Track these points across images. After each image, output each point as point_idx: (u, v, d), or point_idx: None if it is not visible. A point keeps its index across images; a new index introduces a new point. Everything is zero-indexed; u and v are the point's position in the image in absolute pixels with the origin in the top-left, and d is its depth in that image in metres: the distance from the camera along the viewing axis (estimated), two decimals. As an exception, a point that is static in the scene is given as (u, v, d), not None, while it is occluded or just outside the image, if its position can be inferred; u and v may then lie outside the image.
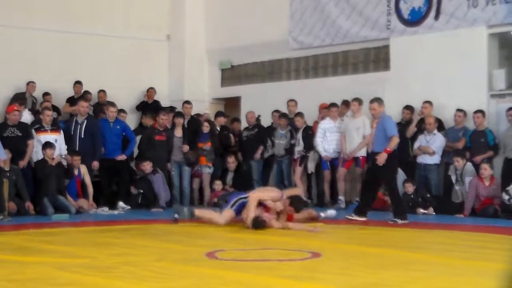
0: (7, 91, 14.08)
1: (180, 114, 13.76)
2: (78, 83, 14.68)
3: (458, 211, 11.15)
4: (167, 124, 13.59)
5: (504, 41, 12.42)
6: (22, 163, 11.60)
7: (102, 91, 14.87)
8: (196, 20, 16.59)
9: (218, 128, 14.09)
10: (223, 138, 13.94)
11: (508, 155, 11.36)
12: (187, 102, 14.35)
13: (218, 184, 13.14)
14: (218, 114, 14.54)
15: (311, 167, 12.94)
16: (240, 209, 9.51)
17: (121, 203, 12.51)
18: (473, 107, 11.85)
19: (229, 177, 13.56)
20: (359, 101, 12.31)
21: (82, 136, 12.50)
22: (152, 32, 16.42)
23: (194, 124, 13.83)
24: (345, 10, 13.94)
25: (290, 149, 13.25)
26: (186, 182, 13.49)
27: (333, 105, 12.81)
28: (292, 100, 13.77)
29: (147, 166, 12.68)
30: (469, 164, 11.43)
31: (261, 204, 9.36)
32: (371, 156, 10.45)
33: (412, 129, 12.25)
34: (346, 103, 12.97)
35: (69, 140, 12.40)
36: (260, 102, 14.80)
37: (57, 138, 12.10)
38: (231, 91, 16.22)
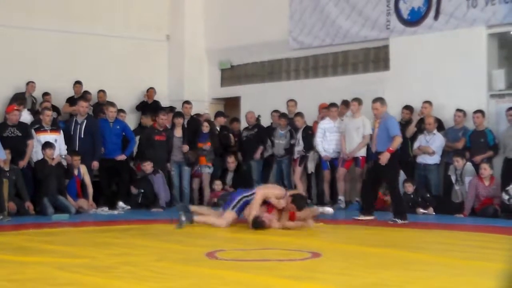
0: (7, 91, 14.08)
1: (180, 114, 13.76)
2: (78, 83, 14.68)
3: (458, 211, 11.15)
4: (167, 124, 13.59)
5: (504, 41, 12.42)
6: (22, 163, 11.60)
7: (102, 91, 14.87)
8: (196, 20, 16.60)
9: (218, 128, 14.09)
10: (223, 138, 13.95)
11: (508, 155, 11.37)
12: (187, 102, 14.35)
13: (218, 184, 13.14)
14: (218, 114, 14.54)
15: (311, 167, 12.94)
16: (242, 209, 9.50)
17: (121, 203, 12.52)
18: (473, 107, 11.86)
19: (229, 177, 13.57)
20: (358, 101, 12.32)
21: (82, 136, 12.50)
22: (152, 32, 16.43)
23: (194, 124, 13.84)
24: (345, 10, 13.94)
25: (290, 149, 13.26)
26: (186, 182, 13.50)
27: (333, 105, 12.81)
28: (291, 100, 13.77)
29: (148, 166, 12.69)
30: (469, 164, 11.44)
31: (265, 202, 9.37)
32: (374, 156, 10.45)
33: (411, 129, 12.25)
34: (345, 103, 12.98)
35: (69, 140, 12.41)
36: (260, 102, 14.80)
37: (57, 138, 12.11)
38: (230, 91, 16.22)
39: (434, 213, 11.41)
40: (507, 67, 12.29)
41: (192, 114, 14.27)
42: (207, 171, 13.48)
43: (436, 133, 12.01)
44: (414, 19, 12.93)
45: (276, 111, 13.90)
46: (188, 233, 8.93)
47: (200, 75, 16.63)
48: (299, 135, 13.00)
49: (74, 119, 12.73)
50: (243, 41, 15.59)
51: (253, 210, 9.22)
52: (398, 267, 6.29)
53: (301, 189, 12.52)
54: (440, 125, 12.19)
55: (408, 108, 12.56)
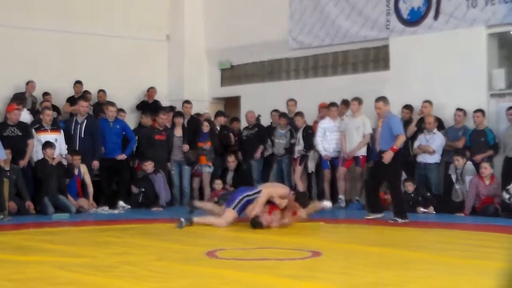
0: (7, 91, 14.07)
1: (180, 114, 13.77)
2: (78, 83, 14.67)
3: (458, 210, 11.15)
4: (167, 124, 13.60)
5: (504, 41, 12.42)
6: (22, 163, 11.61)
7: (102, 91, 14.87)
8: (196, 20, 16.59)
9: (218, 128, 14.10)
10: (223, 138, 13.95)
11: (508, 154, 11.37)
12: (187, 101, 14.36)
13: (218, 184, 13.14)
14: (218, 114, 14.55)
15: (311, 166, 12.94)
16: (243, 208, 9.49)
17: (121, 203, 12.52)
18: (473, 106, 11.85)
19: (229, 176, 13.57)
20: (358, 100, 12.33)
21: (82, 136, 12.51)
22: (152, 32, 16.42)
23: (194, 124, 13.85)
24: (345, 10, 13.94)
25: (290, 149, 13.26)
26: (186, 182, 13.50)
27: (333, 104, 12.81)
28: (291, 99, 13.77)
29: (149, 166, 12.70)
30: (469, 163, 11.44)
31: (269, 201, 9.38)
32: (375, 155, 10.45)
33: (412, 128, 12.25)
34: (345, 103, 12.98)
35: (69, 139, 12.41)
36: (260, 101, 14.80)
37: (57, 138, 12.11)
38: (230, 91, 16.22)
39: (434, 212, 11.41)
40: (507, 67, 12.29)
41: (192, 114, 14.28)
42: (207, 170, 13.49)
43: (436, 132, 12.02)
44: (414, 19, 12.93)
45: (276, 110, 13.90)
46: (188, 233, 8.93)
47: (200, 75, 16.63)
48: (299, 135, 13.01)
49: (74, 119, 12.73)
50: (243, 41, 15.58)
51: (256, 208, 9.23)
52: (398, 267, 6.29)
53: (301, 188, 12.53)
54: (440, 125, 12.19)
55: (408, 107, 12.55)
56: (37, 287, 5.47)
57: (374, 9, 13.46)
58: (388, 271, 6.01)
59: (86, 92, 14.51)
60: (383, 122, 10.27)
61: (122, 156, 12.88)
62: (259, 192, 9.44)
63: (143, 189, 12.67)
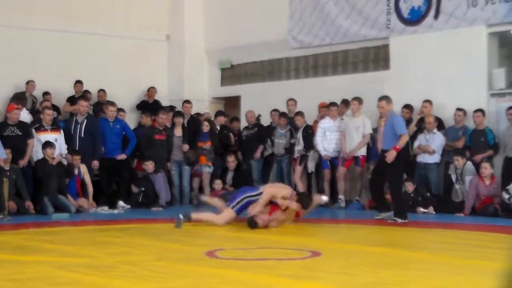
0: (7, 90, 14.07)
1: (180, 114, 13.77)
2: (78, 82, 14.68)
3: (458, 210, 11.15)
4: (167, 124, 13.60)
5: (504, 40, 12.41)
6: (22, 162, 11.61)
7: (102, 91, 14.87)
8: (196, 19, 16.59)
9: (218, 127, 14.09)
10: (223, 138, 13.95)
11: (508, 154, 11.36)
12: (187, 101, 14.35)
13: (218, 183, 13.14)
14: (218, 114, 14.55)
15: (311, 166, 12.94)
16: (243, 209, 9.48)
17: (121, 202, 12.52)
18: (473, 106, 11.85)
19: (229, 176, 13.57)
20: (359, 100, 12.32)
21: (82, 136, 12.51)
22: (152, 32, 16.42)
23: (194, 124, 13.84)
24: (345, 9, 13.93)
25: (290, 148, 13.26)
26: (186, 182, 13.50)
27: (333, 104, 12.81)
28: (291, 99, 13.77)
29: (150, 166, 12.70)
30: (469, 163, 11.43)
31: (271, 202, 9.38)
32: (376, 155, 10.43)
33: (412, 128, 12.23)
34: (345, 102, 12.98)
35: (69, 139, 12.41)
36: (260, 101, 14.80)
37: (57, 138, 12.11)
38: (231, 91, 16.22)
39: (434, 212, 11.40)
40: (507, 66, 12.28)
41: (192, 114, 14.27)
42: (207, 170, 13.48)
43: (436, 132, 12.01)
44: (414, 18, 12.92)
45: (276, 110, 13.90)
46: (188, 232, 8.93)
47: (200, 75, 16.63)
48: (299, 135, 13.00)
49: (74, 119, 12.73)
50: (243, 40, 15.58)
51: (257, 208, 9.23)
52: (398, 267, 6.29)
53: (301, 188, 12.52)
54: (440, 124, 12.18)
55: (408, 107, 12.54)
56: (36, 287, 5.46)
57: (374, 9, 13.45)
58: (388, 271, 6.01)
59: (86, 91, 14.51)
60: (385, 122, 10.25)
61: (122, 156, 12.88)
62: (261, 193, 9.43)
63: (143, 189, 12.67)
